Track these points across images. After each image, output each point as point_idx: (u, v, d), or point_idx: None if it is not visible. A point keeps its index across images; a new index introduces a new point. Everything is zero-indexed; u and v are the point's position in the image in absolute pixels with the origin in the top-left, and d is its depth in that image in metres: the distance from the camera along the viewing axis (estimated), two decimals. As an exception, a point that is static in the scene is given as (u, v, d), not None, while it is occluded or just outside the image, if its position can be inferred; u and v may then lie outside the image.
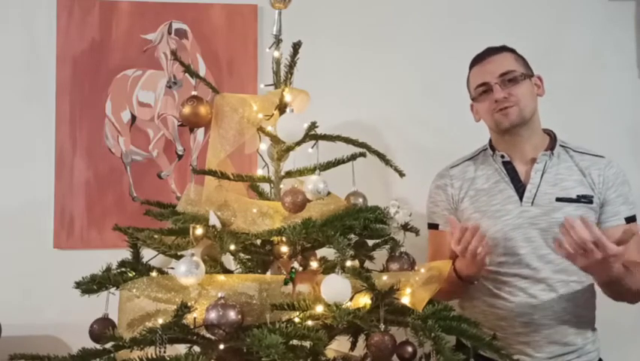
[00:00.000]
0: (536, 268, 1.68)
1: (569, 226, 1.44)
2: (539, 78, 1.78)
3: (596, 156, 1.77)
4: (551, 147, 1.76)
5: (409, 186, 2.02)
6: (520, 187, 1.73)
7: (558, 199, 1.69)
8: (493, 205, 1.74)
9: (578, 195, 1.70)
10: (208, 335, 1.30)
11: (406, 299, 1.38)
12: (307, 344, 1.30)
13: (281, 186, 1.51)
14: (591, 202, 1.70)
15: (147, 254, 1.50)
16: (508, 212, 1.71)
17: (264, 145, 1.53)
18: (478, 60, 1.78)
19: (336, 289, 1.25)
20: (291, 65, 1.48)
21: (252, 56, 2.21)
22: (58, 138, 2.14)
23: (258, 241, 1.44)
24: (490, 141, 1.84)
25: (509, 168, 1.76)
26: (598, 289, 1.71)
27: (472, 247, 1.52)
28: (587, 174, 1.73)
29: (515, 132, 1.73)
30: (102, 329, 1.38)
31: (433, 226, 1.86)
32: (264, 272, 1.47)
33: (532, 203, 1.70)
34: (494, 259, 1.70)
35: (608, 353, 1.80)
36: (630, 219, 1.72)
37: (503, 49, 1.77)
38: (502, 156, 1.77)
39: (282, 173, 1.52)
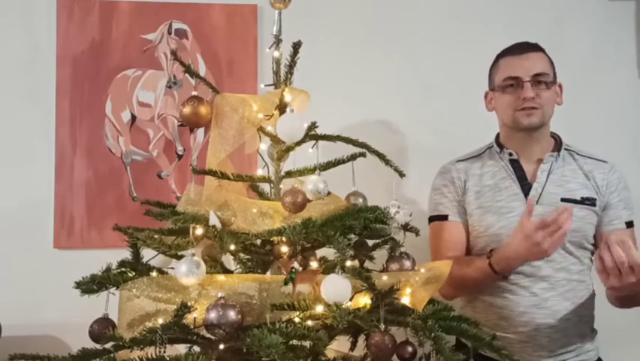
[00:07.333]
0: (538, 266, 1.68)
1: (604, 247, 1.44)
2: (560, 87, 1.78)
3: (599, 160, 1.79)
4: (557, 149, 1.78)
5: (409, 186, 2.03)
6: (525, 185, 1.74)
7: (563, 200, 1.71)
8: (498, 202, 1.74)
9: (582, 197, 1.72)
10: (208, 335, 1.30)
11: (406, 299, 1.38)
12: (307, 344, 1.30)
13: (281, 186, 1.51)
14: (594, 205, 1.72)
15: (147, 254, 1.50)
16: (512, 209, 1.71)
17: (264, 145, 1.52)
18: (512, 52, 1.74)
19: (336, 289, 1.25)
20: (291, 65, 1.47)
21: (252, 56, 2.21)
22: (58, 138, 2.14)
23: (258, 241, 1.43)
24: (497, 137, 1.84)
25: (516, 166, 1.77)
26: (597, 289, 1.72)
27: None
28: (590, 178, 1.75)
29: (529, 133, 1.74)
30: (102, 329, 1.37)
31: (441, 218, 1.81)
32: (264, 272, 1.47)
33: (537, 202, 1.71)
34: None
35: (607, 353, 1.81)
36: (629, 224, 1.76)
37: (539, 48, 1.75)
38: (510, 154, 1.77)
39: (282, 173, 1.51)
